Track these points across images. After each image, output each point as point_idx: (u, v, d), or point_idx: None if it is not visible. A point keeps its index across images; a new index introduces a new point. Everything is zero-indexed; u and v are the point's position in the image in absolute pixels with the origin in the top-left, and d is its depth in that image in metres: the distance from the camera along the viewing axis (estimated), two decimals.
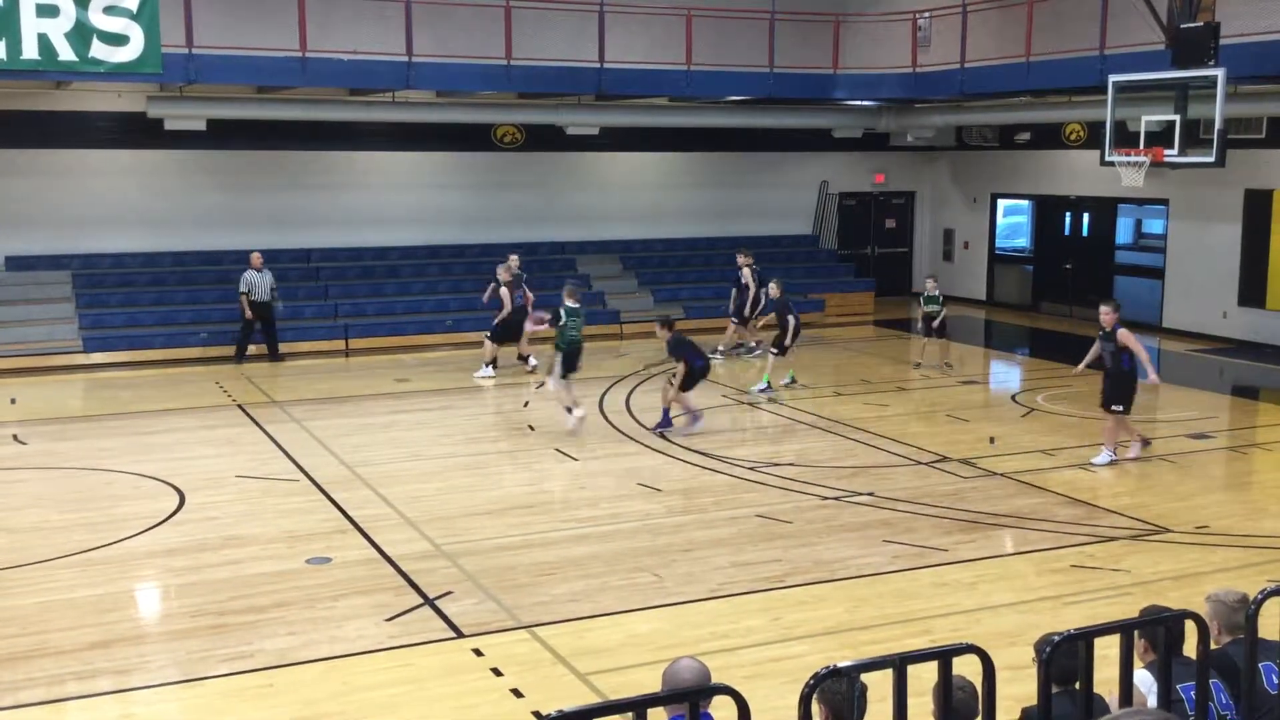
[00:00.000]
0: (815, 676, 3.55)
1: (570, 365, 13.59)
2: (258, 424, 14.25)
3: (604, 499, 11.27)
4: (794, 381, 16.29)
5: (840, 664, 3.67)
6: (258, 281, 17.98)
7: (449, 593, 8.75)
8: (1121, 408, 12.19)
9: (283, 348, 18.61)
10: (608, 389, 16.39)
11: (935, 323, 17.56)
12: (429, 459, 12.78)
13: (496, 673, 7.41)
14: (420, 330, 19.91)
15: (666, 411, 13.86)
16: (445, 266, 21.57)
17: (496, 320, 17.34)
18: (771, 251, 24.29)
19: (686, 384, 13.69)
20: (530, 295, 17.61)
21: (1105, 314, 12.25)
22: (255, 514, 10.71)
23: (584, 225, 22.82)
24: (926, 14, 20.30)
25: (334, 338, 19.48)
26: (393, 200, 21.62)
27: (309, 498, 11.25)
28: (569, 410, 13.59)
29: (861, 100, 21.52)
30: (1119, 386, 12.20)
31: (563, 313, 13.57)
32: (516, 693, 7.13)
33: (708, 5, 19.44)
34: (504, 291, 17.34)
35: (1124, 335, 12.07)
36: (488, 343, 17.41)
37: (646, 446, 13.23)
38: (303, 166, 20.83)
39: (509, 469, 12.67)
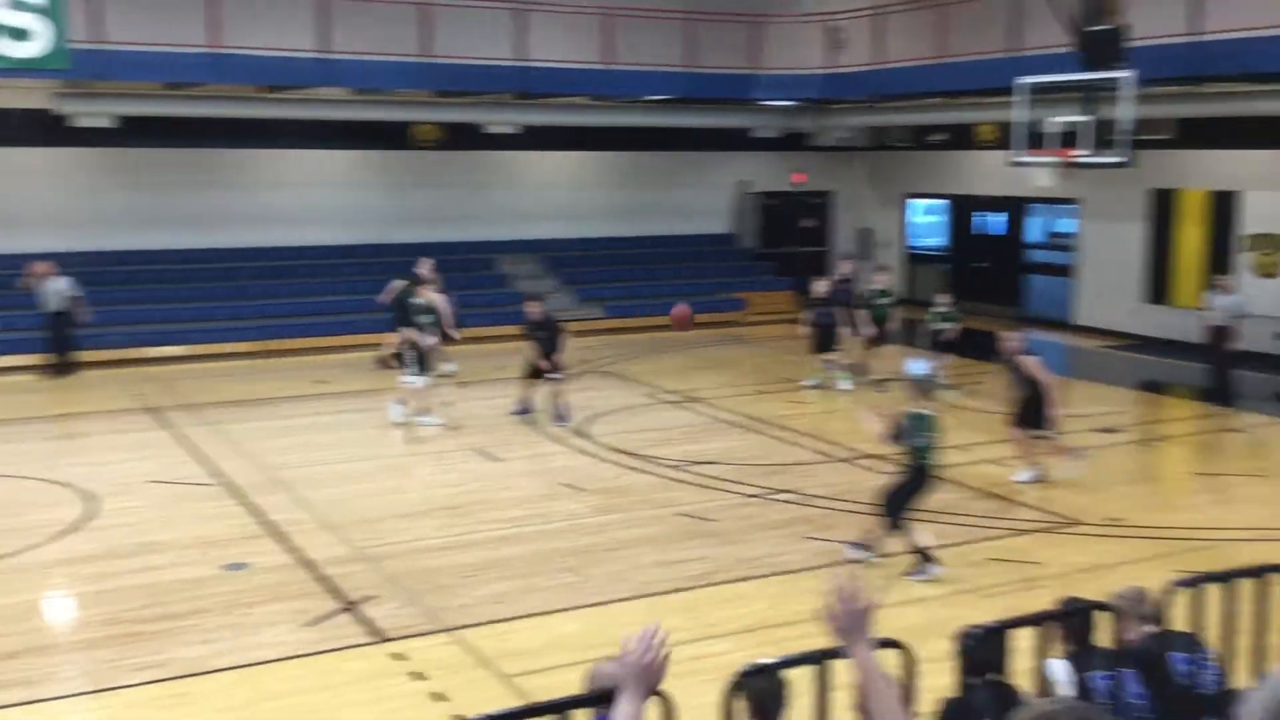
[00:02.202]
0: (739, 674, 3.57)
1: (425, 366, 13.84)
2: (171, 428, 13.95)
3: (528, 499, 11.22)
4: None
5: (763, 661, 3.69)
6: (51, 290, 17.22)
7: (370, 597, 8.64)
8: (1029, 429, 11.66)
9: (197, 349, 18.23)
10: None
11: (942, 337, 16.18)
12: (349, 461, 12.61)
13: (418, 677, 7.33)
14: (339, 331, 19.65)
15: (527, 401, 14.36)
16: (363, 266, 21.29)
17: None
18: (692, 251, 24.44)
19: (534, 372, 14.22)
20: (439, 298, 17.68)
21: (1009, 341, 11.76)
22: (169, 520, 10.48)
23: (504, 225, 22.70)
24: (843, 15, 20.54)
25: (250, 339, 19.15)
26: (309, 199, 21.31)
27: (225, 503, 11.04)
28: (424, 414, 13.77)
29: (780, 101, 21.70)
30: (1029, 408, 11.60)
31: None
32: (439, 697, 7.07)
33: (628, 5, 19.46)
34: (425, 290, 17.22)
35: (1028, 363, 11.47)
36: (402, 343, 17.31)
37: (570, 447, 13.21)
38: (217, 165, 20.44)
39: (432, 471, 12.56)
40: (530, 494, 11.42)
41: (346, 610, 8.39)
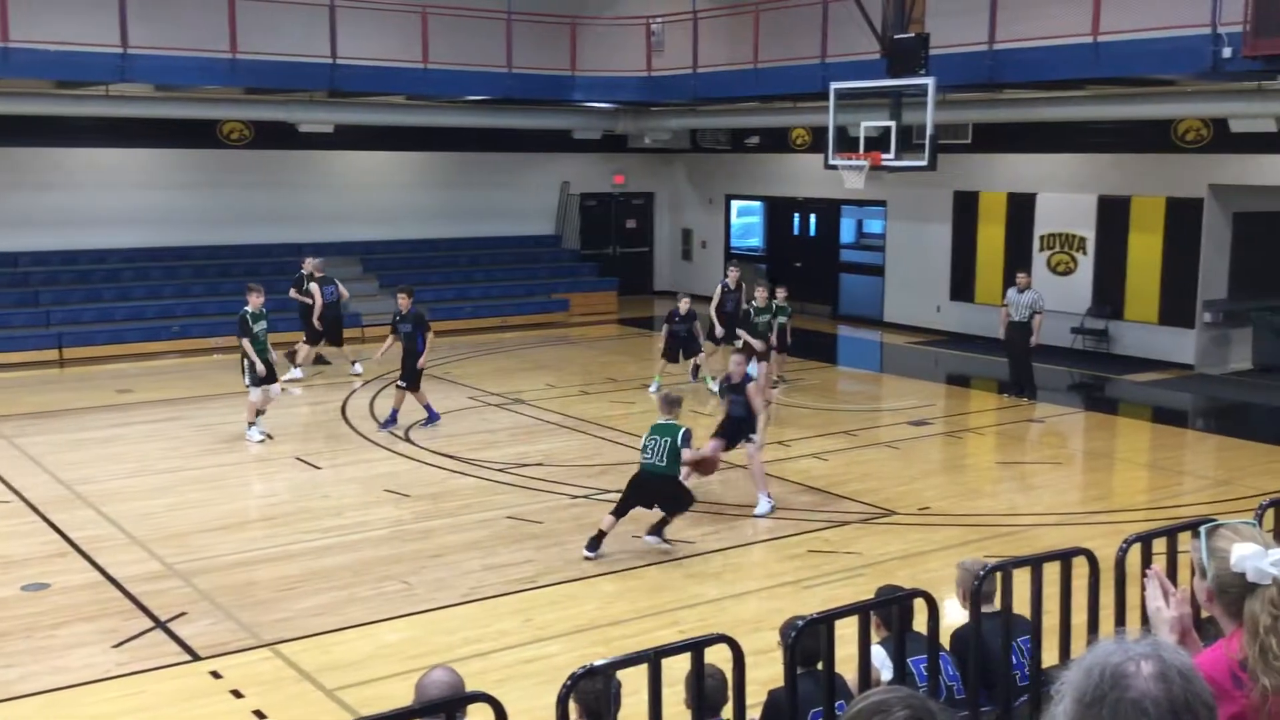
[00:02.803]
0: (572, 677, 3.55)
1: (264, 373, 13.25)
2: None
3: (349, 507, 10.95)
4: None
5: (596, 663, 3.68)
6: None
7: (182, 614, 8.28)
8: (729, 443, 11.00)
9: None
10: (350, 393, 15.96)
11: (774, 336, 15.94)
12: (157, 474, 12.06)
13: (236, 695, 7.07)
14: (143, 337, 18.80)
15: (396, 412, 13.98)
16: (170, 270, 20.46)
17: (315, 318, 16.89)
18: (514, 252, 24.32)
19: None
20: (344, 292, 17.57)
21: (737, 366, 11.26)
22: None
23: (321, 226, 22.12)
24: (659, 19, 20.78)
25: (46, 347, 18.13)
26: (110, 200, 20.31)
27: (22, 520, 10.41)
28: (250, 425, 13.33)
29: (599, 102, 21.81)
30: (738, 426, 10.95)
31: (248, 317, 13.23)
32: (259, 714, 6.82)
33: (444, 3, 19.22)
34: (314, 287, 16.92)
35: (750, 389, 10.93)
36: (304, 346, 16.98)
37: (392, 452, 12.96)
38: (8, 164, 19.28)
39: (247, 481, 12.13)
40: (352, 502, 11.15)
41: (158, 628, 8.02)
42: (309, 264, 17.41)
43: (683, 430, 9.48)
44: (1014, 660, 4.85)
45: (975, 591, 4.72)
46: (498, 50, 19.65)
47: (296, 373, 16.77)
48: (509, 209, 24.33)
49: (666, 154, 25.88)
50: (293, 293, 17.22)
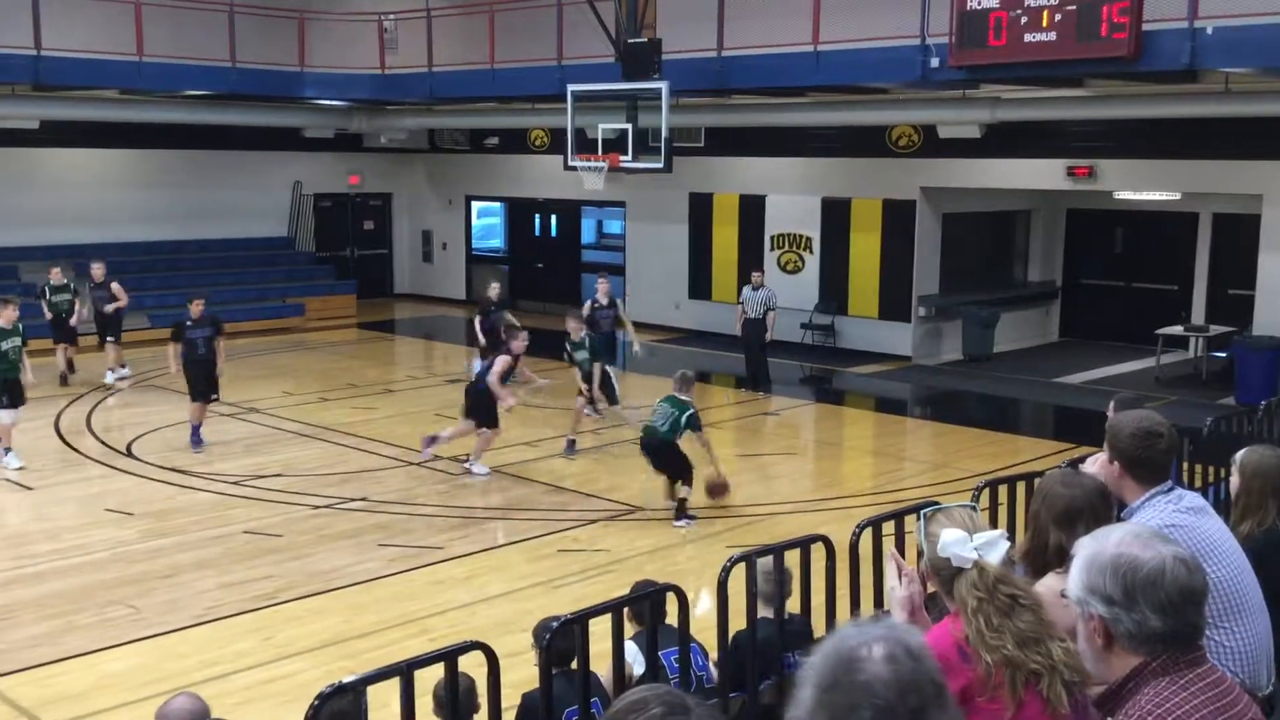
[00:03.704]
0: (320, 696, 3.42)
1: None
2: None
3: (66, 530, 10.20)
4: None
5: (345, 679, 3.56)
6: None
7: None
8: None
9: None
10: (64, 408, 14.89)
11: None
12: None
13: None
14: None
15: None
16: None
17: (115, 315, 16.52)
18: (246, 255, 23.31)
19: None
20: (122, 295, 16.80)
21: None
22: None
23: (25, 229, 20.51)
24: (392, 16, 20.37)
25: None
26: None
27: None
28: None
29: (330, 100, 21.19)
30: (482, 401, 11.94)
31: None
32: None
33: None
34: (115, 286, 16.55)
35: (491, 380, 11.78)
36: (111, 348, 16.47)
37: (114, 469, 12.17)
38: None
39: None
40: (70, 523, 10.39)
41: None
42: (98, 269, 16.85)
43: (691, 411, 10.46)
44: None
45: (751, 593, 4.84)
46: (221, 44, 18.76)
47: (123, 372, 16.52)
48: (238, 210, 23.28)
49: (404, 154, 25.43)
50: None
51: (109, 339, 16.63)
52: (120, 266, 21.18)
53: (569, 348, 13.50)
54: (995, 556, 3.06)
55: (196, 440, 12.98)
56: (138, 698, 6.94)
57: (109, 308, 16.51)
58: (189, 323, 13.02)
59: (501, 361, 11.90)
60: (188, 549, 9.72)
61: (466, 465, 12.07)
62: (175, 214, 22.39)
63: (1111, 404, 6.36)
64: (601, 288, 15.46)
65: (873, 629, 2.00)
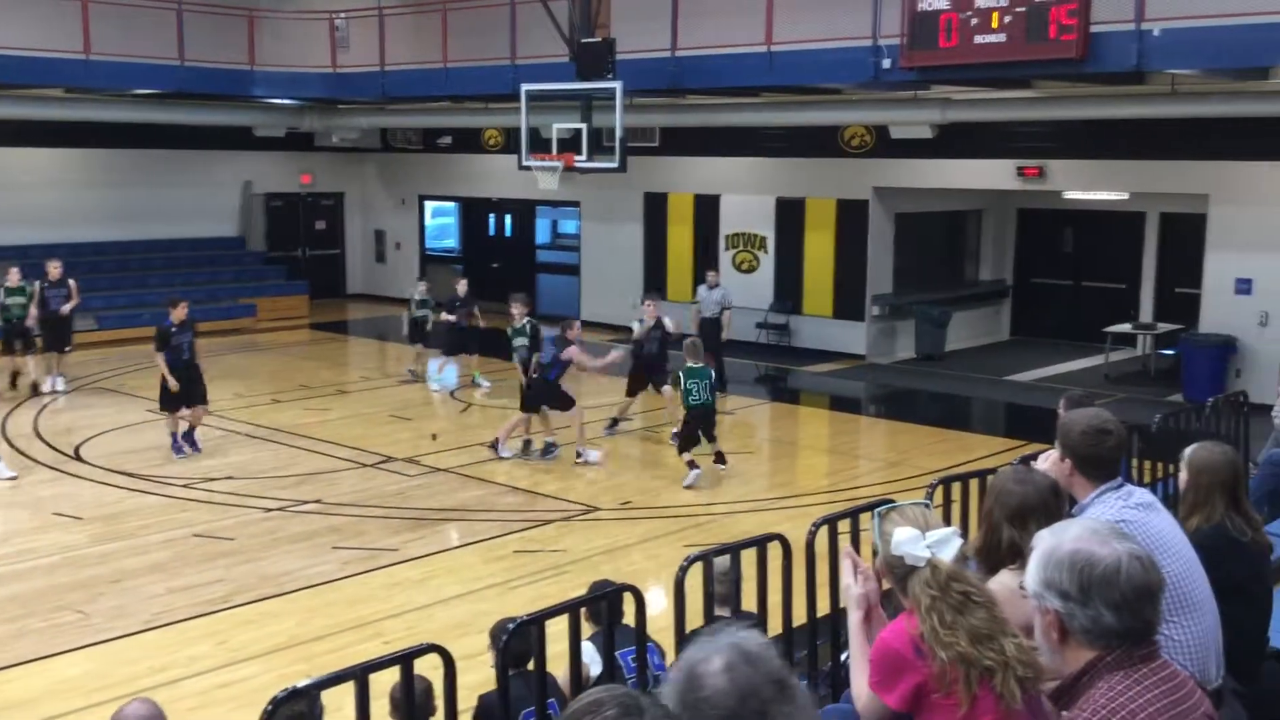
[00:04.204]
0: (274, 701, 3.38)
1: None
2: None
3: (14, 534, 10.05)
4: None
5: (300, 683, 3.52)
6: None
7: None
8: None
9: None
10: (10, 411, 14.64)
11: (429, 327, 17.10)
12: None
13: None
14: None
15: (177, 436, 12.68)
16: None
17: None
18: (195, 255, 23.04)
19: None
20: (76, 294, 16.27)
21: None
22: None
23: None
24: (343, 14, 20.20)
25: None
26: None
27: None
28: None
29: (281, 99, 20.98)
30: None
31: None
32: None
33: None
34: (73, 283, 16.07)
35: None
36: (57, 357, 15.96)
37: (62, 472, 11.98)
38: None
39: None
40: (16, 528, 10.23)
41: None
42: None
43: (712, 370, 11.94)
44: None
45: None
46: (170, 42, 18.51)
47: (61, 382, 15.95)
48: (187, 210, 22.99)
49: (357, 153, 25.23)
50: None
51: (66, 349, 16.07)
52: (68, 268, 20.88)
53: (509, 333, 13.58)
54: (948, 554, 3.09)
55: (179, 449, 12.51)
56: (90, 703, 6.85)
57: (66, 307, 15.95)
58: (173, 328, 12.50)
59: (573, 350, 12.42)
60: (137, 553, 9.59)
61: (581, 458, 12.43)
62: (124, 214, 22.08)
63: (1062, 401, 6.44)
64: (649, 310, 14.13)
65: (712, 643, 2.10)
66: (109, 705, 6.48)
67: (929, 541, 3.10)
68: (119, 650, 7.72)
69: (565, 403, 12.53)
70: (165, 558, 9.48)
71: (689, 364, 11.72)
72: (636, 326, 14.29)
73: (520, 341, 13.38)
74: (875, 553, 3.28)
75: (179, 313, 12.56)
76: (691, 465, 11.66)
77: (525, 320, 13.55)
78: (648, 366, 14.05)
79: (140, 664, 7.50)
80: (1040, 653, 2.64)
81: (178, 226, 22.87)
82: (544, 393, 12.49)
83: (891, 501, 3.40)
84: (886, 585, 3.34)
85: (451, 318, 16.36)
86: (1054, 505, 3.72)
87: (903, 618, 3.15)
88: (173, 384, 12.37)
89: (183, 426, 12.72)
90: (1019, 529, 3.59)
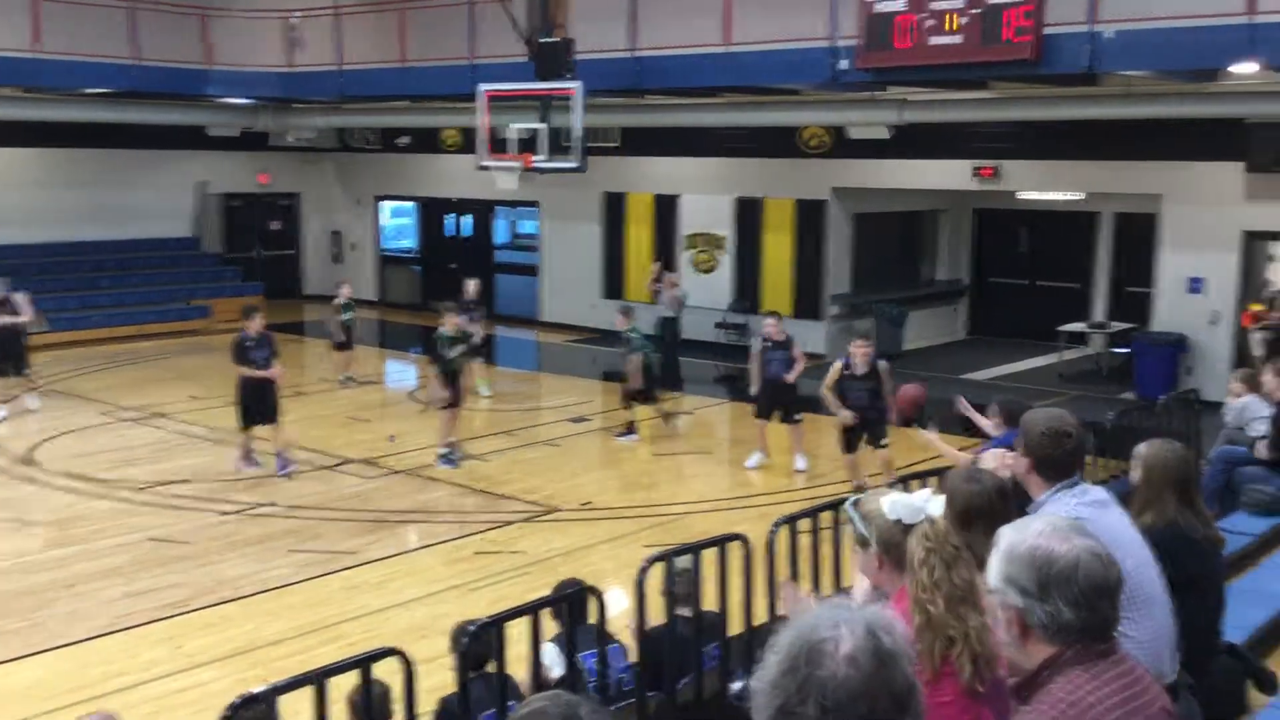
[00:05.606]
0: (231, 706, 3.35)
1: None
2: None
3: None
4: None
5: (257, 689, 3.49)
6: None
7: None
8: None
9: None
10: None
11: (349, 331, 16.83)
12: None
13: None
14: None
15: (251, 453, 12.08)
16: None
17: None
18: (149, 256, 22.76)
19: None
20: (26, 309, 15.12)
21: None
22: None
23: None
24: (299, 13, 20.03)
25: None
26: None
27: None
28: None
29: (235, 98, 20.77)
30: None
31: None
32: None
33: None
34: (18, 297, 14.77)
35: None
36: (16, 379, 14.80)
37: (14, 477, 11.80)
38: None
39: None
40: None
41: None
42: None
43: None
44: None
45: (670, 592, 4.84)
46: (122, 40, 18.28)
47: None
48: (141, 210, 22.71)
49: (313, 153, 25.03)
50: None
51: (24, 372, 14.82)
52: (18, 270, 20.58)
53: (445, 341, 12.47)
54: (936, 510, 3.10)
55: (251, 463, 11.90)
56: (44, 710, 6.76)
57: (12, 320, 14.62)
58: (249, 342, 11.72)
59: (803, 362, 12.63)
60: (91, 558, 9.47)
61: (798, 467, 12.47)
62: (76, 214, 21.77)
63: (992, 406, 6.56)
64: (773, 327, 12.61)
65: (848, 618, 1.83)
66: (66, 712, 6.41)
67: (919, 500, 3.11)
68: (74, 656, 7.61)
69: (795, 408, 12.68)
70: (121, 562, 9.36)
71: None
72: (756, 342, 12.98)
73: (458, 350, 12.62)
74: (864, 544, 3.24)
75: (256, 325, 11.69)
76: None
77: (461, 330, 12.88)
78: (773, 391, 12.45)
79: (96, 670, 7.40)
80: (1004, 647, 2.65)
81: (131, 227, 22.60)
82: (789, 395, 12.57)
83: (856, 498, 3.40)
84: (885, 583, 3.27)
85: (476, 329, 14.59)
86: (1000, 508, 3.74)
87: (890, 604, 3.14)
88: (258, 375, 11.57)
89: (255, 444, 12.02)
90: (966, 531, 3.60)
